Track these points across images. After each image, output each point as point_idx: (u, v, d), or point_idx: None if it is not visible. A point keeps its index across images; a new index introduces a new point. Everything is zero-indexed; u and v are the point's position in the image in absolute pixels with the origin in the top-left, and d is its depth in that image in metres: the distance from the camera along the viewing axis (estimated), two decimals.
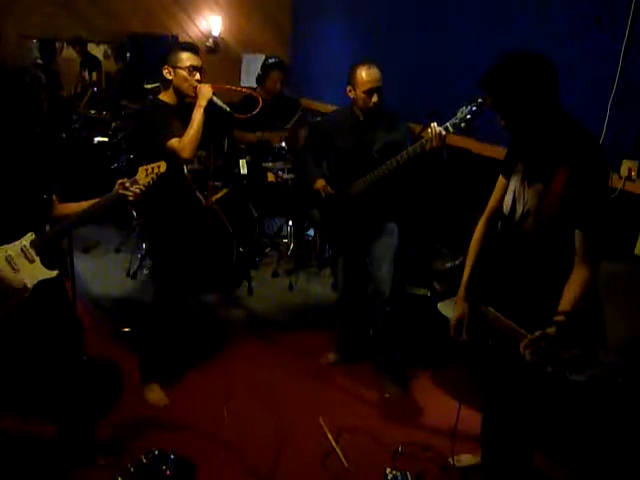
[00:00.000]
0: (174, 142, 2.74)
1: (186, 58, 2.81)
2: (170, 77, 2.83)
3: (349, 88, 3.04)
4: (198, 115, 2.78)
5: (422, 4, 4.47)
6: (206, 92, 2.80)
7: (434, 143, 2.71)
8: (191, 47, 2.91)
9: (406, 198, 3.25)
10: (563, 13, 3.29)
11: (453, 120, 2.66)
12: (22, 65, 5.64)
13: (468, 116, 2.61)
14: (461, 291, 2.24)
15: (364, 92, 2.97)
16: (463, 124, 2.63)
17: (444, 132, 2.69)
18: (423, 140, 2.76)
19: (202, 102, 2.79)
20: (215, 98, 2.85)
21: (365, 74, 2.96)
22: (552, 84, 1.86)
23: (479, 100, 2.55)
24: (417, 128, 3.21)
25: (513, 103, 1.86)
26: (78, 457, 2.55)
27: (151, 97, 2.99)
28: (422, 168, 2.93)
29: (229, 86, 3.23)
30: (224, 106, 2.91)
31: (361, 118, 3.08)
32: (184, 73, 2.80)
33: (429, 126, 3.13)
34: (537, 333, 1.80)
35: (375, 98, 2.98)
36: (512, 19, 3.62)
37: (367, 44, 5.13)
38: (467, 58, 3.91)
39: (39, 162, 2.34)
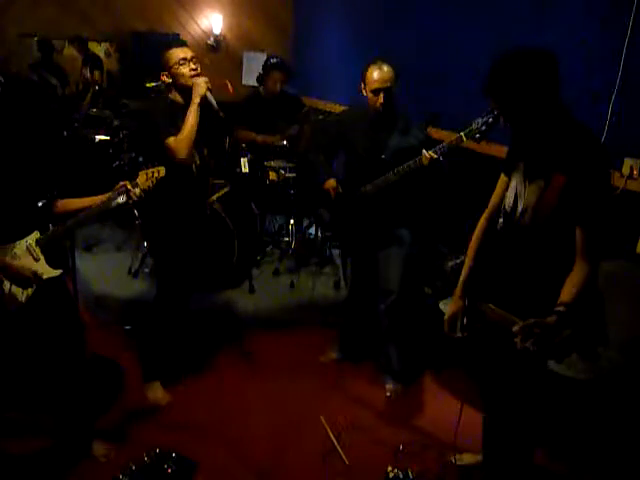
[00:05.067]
0: (171, 141, 2.74)
1: (174, 54, 2.80)
2: (169, 80, 2.83)
3: (362, 85, 3.02)
4: (192, 113, 2.75)
5: (423, 2, 4.47)
6: (200, 88, 2.77)
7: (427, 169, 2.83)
8: (177, 42, 2.91)
9: (416, 204, 3.22)
10: (565, 11, 3.28)
11: (468, 130, 2.65)
12: (29, 65, 5.65)
13: (483, 127, 2.58)
14: (458, 288, 2.24)
15: (371, 91, 2.95)
16: (478, 135, 2.62)
17: (435, 156, 2.77)
18: (421, 158, 2.81)
19: (196, 99, 2.76)
20: (209, 94, 2.80)
21: (375, 73, 2.93)
22: (553, 77, 1.84)
23: (495, 112, 2.50)
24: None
25: (516, 103, 1.84)
26: (77, 454, 2.56)
27: (160, 95, 2.98)
28: (424, 180, 2.95)
29: (225, 81, 3.16)
30: (214, 104, 2.84)
31: (376, 118, 3.05)
32: (178, 69, 2.79)
33: (431, 123, 3.15)
34: (531, 320, 1.80)
35: (382, 99, 2.94)
36: (513, 17, 3.62)
37: (368, 42, 5.13)
38: (468, 58, 3.90)
39: (43, 160, 2.36)
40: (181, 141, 2.73)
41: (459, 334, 2.21)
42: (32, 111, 2.30)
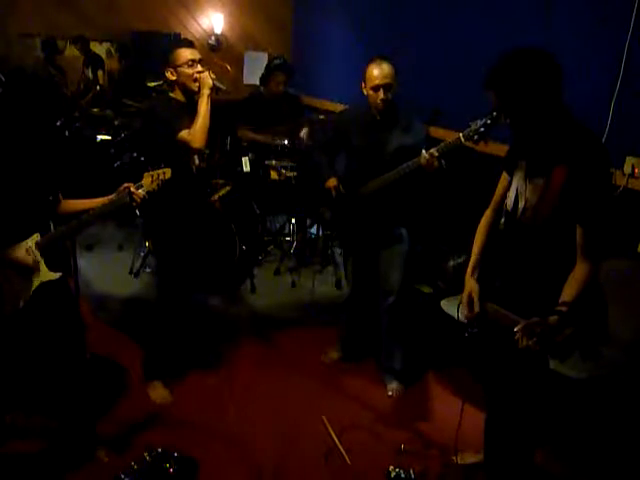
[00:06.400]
0: (184, 134, 2.76)
1: (183, 54, 2.82)
2: (174, 77, 2.84)
3: (363, 84, 3.01)
4: (203, 104, 2.79)
5: (424, 2, 4.46)
6: (207, 81, 2.81)
7: (426, 169, 2.81)
8: (186, 43, 2.94)
9: (416, 203, 3.23)
10: (567, 10, 3.28)
11: (467, 131, 2.64)
12: (34, 63, 5.65)
13: (482, 129, 2.58)
14: (469, 269, 2.24)
15: (372, 88, 2.94)
16: (476, 136, 2.61)
17: (436, 163, 2.78)
18: (419, 158, 2.80)
19: (205, 91, 2.80)
20: (216, 82, 2.85)
21: (375, 71, 2.93)
22: (557, 80, 1.84)
23: (494, 113, 2.47)
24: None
25: (518, 99, 1.84)
26: (79, 453, 2.56)
27: (161, 94, 3.00)
28: (423, 180, 2.95)
29: (221, 62, 3.18)
30: (222, 86, 2.89)
31: (377, 117, 3.04)
32: (185, 69, 2.81)
33: (433, 122, 3.15)
34: (533, 319, 1.80)
35: (382, 95, 2.93)
36: (514, 17, 3.61)
37: (368, 42, 5.12)
38: (468, 57, 3.89)
39: (46, 161, 2.36)
40: (196, 131, 2.76)
41: (476, 310, 2.14)
42: (35, 105, 2.28)
